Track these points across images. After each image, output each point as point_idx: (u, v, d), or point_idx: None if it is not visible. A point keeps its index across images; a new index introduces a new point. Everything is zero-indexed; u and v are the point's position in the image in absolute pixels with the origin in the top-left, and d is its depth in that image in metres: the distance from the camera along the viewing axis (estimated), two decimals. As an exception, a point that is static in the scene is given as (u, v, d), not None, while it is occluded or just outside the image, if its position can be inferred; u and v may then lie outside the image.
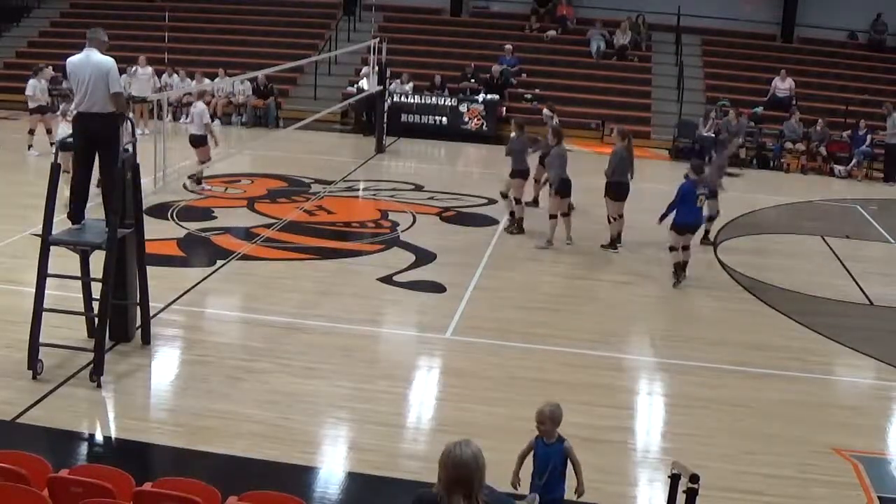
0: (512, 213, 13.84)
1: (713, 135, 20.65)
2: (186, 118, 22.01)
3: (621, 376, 9.15)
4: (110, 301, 8.27)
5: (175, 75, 22.28)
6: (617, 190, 12.87)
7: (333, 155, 19.11)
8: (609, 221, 13.16)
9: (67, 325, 8.79)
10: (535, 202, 14.94)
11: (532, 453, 6.03)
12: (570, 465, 6.00)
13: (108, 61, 8.40)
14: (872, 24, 24.76)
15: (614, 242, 13.15)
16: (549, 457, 5.92)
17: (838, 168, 20.42)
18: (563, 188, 12.84)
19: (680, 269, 11.67)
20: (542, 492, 5.86)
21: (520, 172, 13.64)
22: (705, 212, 12.39)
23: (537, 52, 24.76)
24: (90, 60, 8.37)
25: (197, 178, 15.30)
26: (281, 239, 12.89)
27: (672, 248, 11.68)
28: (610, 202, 13.01)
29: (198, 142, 15.27)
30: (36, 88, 17.73)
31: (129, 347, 8.91)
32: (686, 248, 11.69)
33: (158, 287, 9.74)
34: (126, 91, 16.81)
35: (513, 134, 13.95)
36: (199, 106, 15.72)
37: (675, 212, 11.54)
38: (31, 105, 17.78)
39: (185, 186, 14.99)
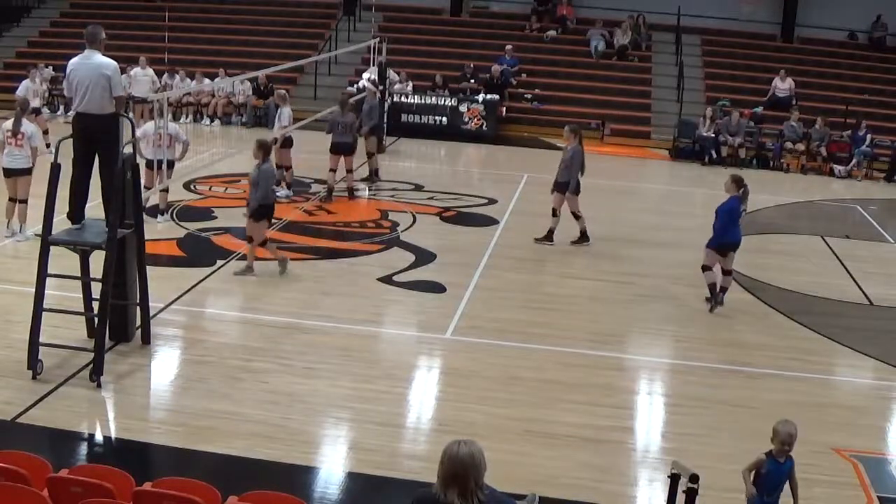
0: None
1: (713, 135, 20.66)
2: (187, 118, 22.10)
3: (621, 376, 9.15)
4: (110, 301, 8.27)
5: (175, 75, 22.28)
6: (578, 187, 12.93)
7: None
8: (554, 215, 13.13)
9: (67, 325, 8.79)
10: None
11: (757, 470, 5.99)
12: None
13: (111, 64, 8.42)
14: (873, 25, 24.77)
15: (585, 234, 13.20)
16: (782, 474, 5.93)
17: (838, 168, 20.41)
18: (264, 212, 11.29)
19: (716, 292, 10.82)
20: None
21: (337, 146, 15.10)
22: None
23: (537, 52, 24.76)
24: (91, 62, 8.38)
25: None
26: (281, 239, 12.89)
27: (705, 268, 10.88)
28: (572, 198, 12.97)
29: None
30: (28, 90, 17.76)
31: (129, 347, 8.91)
32: (728, 272, 10.92)
33: (158, 287, 9.74)
34: (126, 91, 16.74)
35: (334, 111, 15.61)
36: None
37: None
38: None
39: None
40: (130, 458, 7.00)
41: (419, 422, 8.07)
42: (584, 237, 13.24)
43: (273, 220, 11.99)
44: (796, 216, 16.66)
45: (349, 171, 15.33)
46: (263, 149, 11.28)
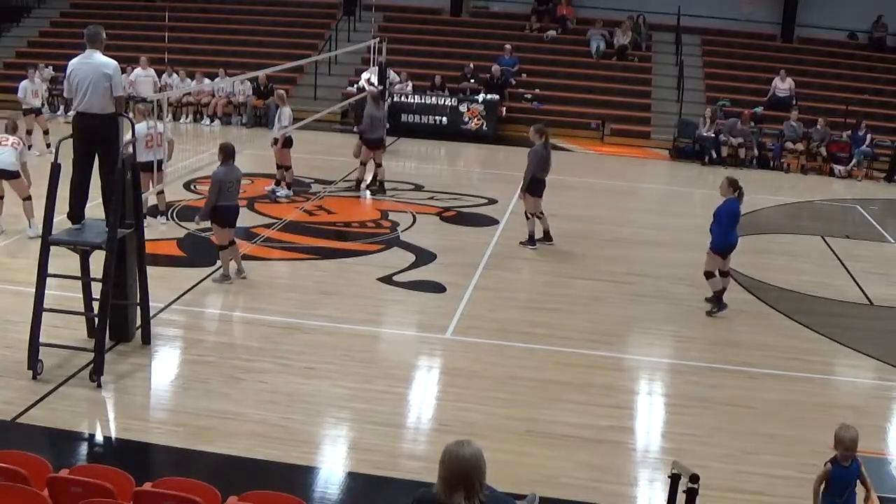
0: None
1: (713, 135, 20.66)
2: (187, 118, 22.09)
3: (621, 376, 9.15)
4: (110, 301, 8.27)
5: (175, 75, 22.29)
6: (537, 187, 12.78)
7: (333, 155, 19.09)
8: (527, 218, 13.00)
9: (67, 325, 8.79)
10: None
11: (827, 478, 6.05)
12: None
13: (111, 63, 8.43)
14: (873, 25, 24.77)
15: (533, 239, 13.00)
16: (850, 478, 6.01)
17: (838, 168, 20.41)
18: (219, 215, 10.83)
19: (721, 297, 10.76)
20: None
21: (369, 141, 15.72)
22: None
23: (537, 52, 24.75)
24: (91, 61, 8.39)
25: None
26: (281, 239, 12.90)
27: (710, 275, 10.77)
28: (529, 199, 12.84)
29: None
30: (27, 90, 17.82)
31: (129, 347, 8.91)
32: (726, 273, 10.90)
33: (158, 287, 9.75)
34: (126, 91, 16.73)
35: (368, 106, 16.20)
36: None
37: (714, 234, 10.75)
38: (24, 107, 17.97)
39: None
40: (130, 458, 7.01)
41: (419, 422, 8.07)
42: (531, 240, 13.01)
43: (276, 221, 11.96)
44: (796, 216, 16.66)
45: (378, 165, 15.82)
46: (223, 152, 10.90)
